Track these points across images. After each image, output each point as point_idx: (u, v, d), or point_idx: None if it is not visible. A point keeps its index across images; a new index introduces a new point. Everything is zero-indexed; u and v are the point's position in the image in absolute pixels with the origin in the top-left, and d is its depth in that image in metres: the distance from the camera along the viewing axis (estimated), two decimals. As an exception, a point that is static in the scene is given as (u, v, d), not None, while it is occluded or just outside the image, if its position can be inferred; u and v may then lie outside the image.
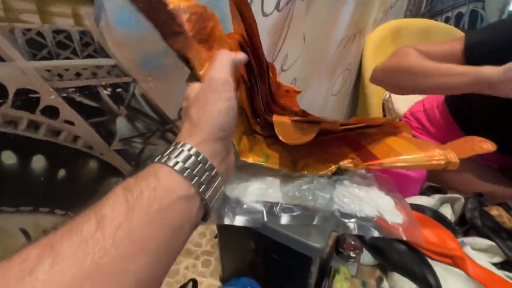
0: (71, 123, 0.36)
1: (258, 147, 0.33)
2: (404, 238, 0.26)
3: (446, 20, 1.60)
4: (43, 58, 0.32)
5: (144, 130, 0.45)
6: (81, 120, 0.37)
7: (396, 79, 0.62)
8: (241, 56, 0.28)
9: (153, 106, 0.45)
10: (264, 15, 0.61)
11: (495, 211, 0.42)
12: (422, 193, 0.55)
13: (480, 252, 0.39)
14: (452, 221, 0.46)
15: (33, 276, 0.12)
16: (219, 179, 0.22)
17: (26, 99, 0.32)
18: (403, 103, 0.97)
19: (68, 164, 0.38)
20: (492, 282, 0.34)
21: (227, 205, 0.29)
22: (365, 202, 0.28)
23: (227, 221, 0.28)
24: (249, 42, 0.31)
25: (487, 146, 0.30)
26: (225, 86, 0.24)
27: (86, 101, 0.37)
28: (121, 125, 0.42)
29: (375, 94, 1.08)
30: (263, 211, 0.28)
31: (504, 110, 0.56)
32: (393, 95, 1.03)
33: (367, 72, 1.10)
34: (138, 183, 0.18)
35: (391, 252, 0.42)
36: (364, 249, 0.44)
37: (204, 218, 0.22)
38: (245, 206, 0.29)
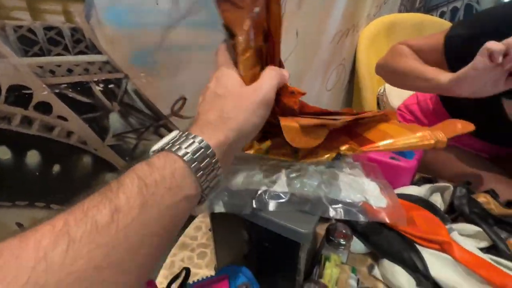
0: (64, 119, 0.37)
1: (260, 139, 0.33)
2: (387, 221, 0.27)
3: (441, 15, 1.60)
4: (35, 55, 0.33)
5: (138, 125, 0.46)
6: (74, 115, 0.38)
7: (389, 77, 0.65)
8: (287, 75, 0.28)
9: (146, 102, 0.46)
10: (256, 11, 0.61)
11: (482, 198, 0.43)
12: (414, 183, 0.56)
13: (467, 237, 0.40)
14: (442, 209, 0.47)
15: (47, 261, 0.13)
16: (221, 177, 0.23)
17: (19, 95, 0.32)
18: (397, 97, 0.98)
19: (62, 159, 0.39)
20: (478, 266, 0.35)
21: (216, 193, 0.30)
22: (352, 188, 0.29)
23: (217, 209, 0.29)
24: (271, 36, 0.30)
25: (466, 126, 0.31)
26: (268, 106, 0.25)
27: (78, 97, 0.38)
28: (114, 121, 0.43)
29: (369, 89, 1.09)
30: (251, 198, 0.29)
31: (490, 102, 0.57)
32: (387, 89, 1.04)
33: (361, 67, 1.10)
34: (153, 175, 0.18)
35: (381, 240, 0.43)
36: (356, 239, 0.46)
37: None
38: (233, 194, 0.30)
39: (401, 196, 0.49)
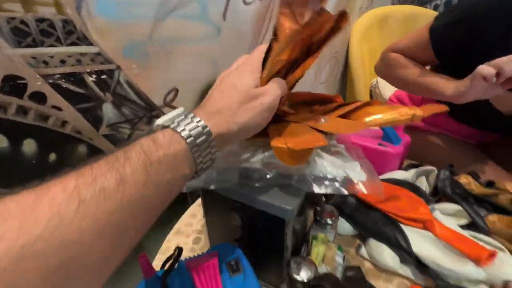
0: (59, 109, 0.38)
1: None
2: (366, 192, 0.29)
3: (435, 8, 1.61)
4: (28, 46, 0.34)
5: (131, 116, 0.47)
6: (68, 105, 0.39)
7: (392, 83, 0.69)
8: (286, 89, 0.30)
9: (138, 93, 0.47)
10: (246, 3, 0.62)
11: (464, 179, 0.45)
12: (402, 170, 0.58)
13: (448, 216, 0.42)
14: (427, 192, 0.49)
15: (60, 216, 0.15)
16: (214, 160, 0.25)
17: (14, 85, 0.34)
18: (389, 88, 0.99)
19: (58, 148, 0.40)
20: (456, 240, 0.37)
21: (207, 172, 0.32)
22: (334, 165, 0.31)
23: (206, 186, 0.31)
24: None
25: (440, 107, 0.33)
26: (272, 111, 0.28)
27: (72, 88, 0.39)
28: (108, 111, 0.44)
29: (362, 81, 1.10)
30: (239, 174, 0.31)
31: None
32: (379, 81, 1.05)
33: (354, 60, 1.12)
34: (157, 153, 0.20)
35: (367, 221, 0.44)
36: (344, 221, 0.47)
37: None
38: (222, 171, 0.31)
39: (388, 180, 0.51)
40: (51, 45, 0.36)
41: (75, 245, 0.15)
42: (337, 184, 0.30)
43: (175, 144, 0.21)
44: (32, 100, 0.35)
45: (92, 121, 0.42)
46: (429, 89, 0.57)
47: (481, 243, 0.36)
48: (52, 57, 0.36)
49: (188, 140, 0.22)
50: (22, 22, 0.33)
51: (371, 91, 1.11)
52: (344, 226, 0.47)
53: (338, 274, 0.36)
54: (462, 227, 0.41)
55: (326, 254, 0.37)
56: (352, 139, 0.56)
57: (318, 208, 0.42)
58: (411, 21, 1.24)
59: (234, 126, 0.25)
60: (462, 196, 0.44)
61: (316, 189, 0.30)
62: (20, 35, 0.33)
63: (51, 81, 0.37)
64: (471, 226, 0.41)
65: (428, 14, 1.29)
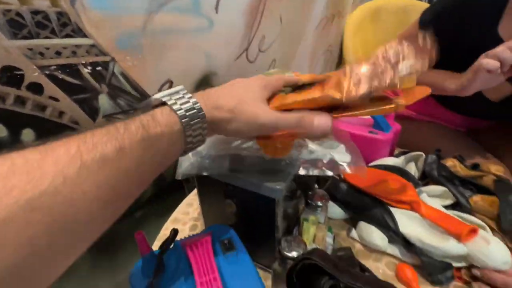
0: (56, 99, 0.39)
1: None
2: (349, 172, 0.30)
3: (430, 1, 1.62)
4: (24, 38, 0.35)
5: (126, 107, 0.48)
6: (65, 96, 0.40)
7: None
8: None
9: (133, 84, 0.48)
10: (238, -4, 0.63)
11: (449, 162, 0.47)
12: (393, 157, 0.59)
13: (434, 197, 0.44)
14: (416, 176, 0.51)
15: (64, 175, 0.16)
16: (203, 143, 0.27)
17: (11, 76, 0.35)
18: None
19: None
20: (440, 219, 0.38)
21: (201, 160, 0.33)
22: (321, 149, 0.33)
23: (200, 172, 0.32)
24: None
25: (423, 91, 0.34)
26: (260, 132, 0.28)
27: (68, 79, 0.40)
28: (104, 102, 0.45)
29: (356, 73, 1.11)
30: (230, 159, 0.32)
31: None
32: (373, 73, 1.06)
33: (348, 53, 1.13)
34: (155, 129, 0.21)
35: (358, 205, 0.46)
36: (336, 206, 0.49)
37: None
38: (214, 158, 0.33)
39: (379, 166, 0.53)
40: (46, 37, 0.37)
41: (77, 203, 0.16)
42: (322, 166, 0.31)
43: (171, 123, 0.23)
44: (29, 91, 0.37)
45: (88, 111, 0.43)
46: (431, 85, 0.58)
47: (463, 221, 0.38)
48: (47, 48, 0.37)
49: (183, 121, 0.23)
50: (18, 14, 0.34)
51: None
52: (336, 211, 0.49)
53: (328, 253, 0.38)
54: (447, 207, 0.43)
55: (316, 234, 0.39)
56: (343, 127, 0.57)
57: (310, 192, 0.44)
58: (404, 13, 1.25)
59: (226, 122, 0.26)
60: (448, 179, 0.45)
61: (303, 171, 0.31)
62: (16, 27, 0.34)
63: (47, 72, 0.38)
64: (456, 206, 0.43)
65: (421, 6, 1.29)
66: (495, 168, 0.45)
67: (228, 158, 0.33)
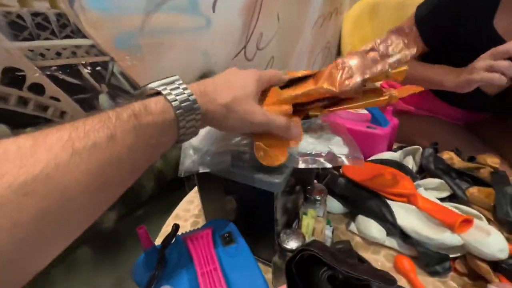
0: (57, 99, 0.40)
1: None
2: (347, 163, 0.31)
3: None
4: (25, 39, 0.36)
5: (127, 106, 0.49)
6: (66, 96, 0.41)
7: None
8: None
9: (132, 84, 0.49)
10: (234, -6, 0.64)
11: (446, 155, 0.47)
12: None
13: (431, 190, 0.44)
14: (414, 170, 0.51)
15: (56, 161, 0.16)
16: (195, 135, 0.27)
17: (13, 77, 0.35)
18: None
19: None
20: (435, 211, 0.39)
21: (201, 156, 0.34)
22: (319, 142, 0.33)
23: (202, 169, 0.33)
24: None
25: (416, 88, 0.35)
26: (254, 130, 0.30)
27: (68, 79, 0.41)
28: (104, 102, 0.46)
29: (355, 70, 1.12)
30: (230, 156, 0.33)
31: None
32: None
33: (346, 50, 1.13)
34: (147, 118, 0.21)
35: (356, 198, 0.47)
36: (335, 200, 0.50)
37: None
38: (215, 154, 0.33)
39: (377, 160, 0.53)
40: (46, 38, 0.37)
41: (69, 189, 0.17)
42: (321, 159, 0.32)
43: (165, 113, 0.23)
44: (31, 91, 0.37)
45: (89, 111, 0.44)
46: (430, 81, 0.59)
47: (460, 213, 0.39)
48: (48, 49, 0.38)
49: (178, 112, 0.23)
50: (18, 16, 0.34)
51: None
52: (334, 205, 0.49)
53: (327, 246, 0.39)
54: (444, 199, 0.43)
55: (315, 228, 0.39)
56: (341, 122, 0.58)
57: (309, 187, 0.44)
58: (403, 9, 1.25)
59: (220, 116, 0.27)
60: (444, 171, 0.46)
61: (303, 164, 0.32)
62: (17, 28, 0.35)
63: (48, 72, 0.38)
64: (453, 198, 0.43)
65: (419, 1, 1.30)
66: (491, 160, 0.45)
67: (228, 154, 0.33)
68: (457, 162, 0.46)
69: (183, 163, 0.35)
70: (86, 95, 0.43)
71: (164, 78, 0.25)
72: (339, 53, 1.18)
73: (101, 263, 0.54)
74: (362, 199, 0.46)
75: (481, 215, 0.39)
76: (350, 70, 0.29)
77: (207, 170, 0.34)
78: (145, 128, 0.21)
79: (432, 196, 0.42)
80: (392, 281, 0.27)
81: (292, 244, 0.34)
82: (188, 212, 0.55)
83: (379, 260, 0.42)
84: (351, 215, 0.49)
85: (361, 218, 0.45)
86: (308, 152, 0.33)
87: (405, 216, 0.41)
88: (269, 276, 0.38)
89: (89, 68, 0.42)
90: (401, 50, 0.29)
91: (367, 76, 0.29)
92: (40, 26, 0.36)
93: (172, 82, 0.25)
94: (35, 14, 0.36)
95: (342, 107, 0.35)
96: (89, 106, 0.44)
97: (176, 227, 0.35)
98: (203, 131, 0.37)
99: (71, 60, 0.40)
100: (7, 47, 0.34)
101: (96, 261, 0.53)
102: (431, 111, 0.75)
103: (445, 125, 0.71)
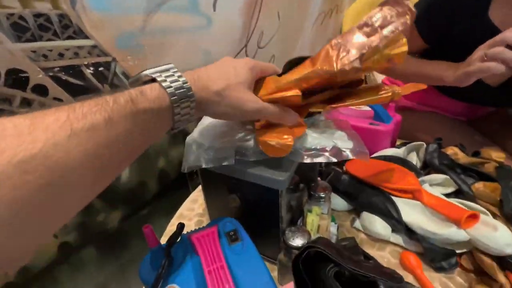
0: (60, 100, 0.40)
1: None
2: (351, 157, 0.31)
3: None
4: (28, 40, 0.36)
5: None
6: (69, 97, 0.41)
7: (395, 77, 0.72)
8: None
9: (135, 84, 0.49)
10: (235, -7, 0.64)
11: (450, 151, 0.47)
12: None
13: (436, 186, 0.44)
14: (418, 166, 0.51)
15: (55, 141, 0.16)
16: (189, 121, 0.27)
17: (17, 78, 0.35)
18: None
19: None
20: (441, 207, 0.39)
21: (204, 151, 0.34)
22: (323, 137, 0.33)
23: (206, 165, 0.33)
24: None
25: (419, 86, 0.35)
26: (247, 119, 0.31)
27: (71, 80, 0.41)
28: (107, 102, 0.46)
29: (356, 67, 1.11)
30: (234, 151, 0.33)
31: None
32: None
33: (347, 47, 1.13)
34: (144, 104, 0.22)
35: (360, 195, 0.47)
36: (340, 198, 0.50)
37: None
38: (218, 150, 0.33)
39: (380, 157, 0.53)
40: (49, 39, 0.37)
41: (66, 169, 0.17)
42: (326, 154, 0.32)
43: (160, 99, 0.23)
44: (34, 93, 0.37)
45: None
46: (430, 77, 0.58)
47: (465, 208, 0.39)
48: (50, 50, 0.38)
49: (172, 99, 0.24)
50: (21, 17, 0.34)
51: (365, 75, 1.13)
52: (339, 203, 0.49)
53: (333, 243, 0.39)
54: (450, 194, 0.43)
55: (320, 224, 0.39)
56: (345, 119, 0.58)
57: (313, 184, 0.44)
58: (403, 6, 1.24)
59: (214, 104, 0.27)
60: (449, 167, 0.45)
61: (308, 159, 0.32)
62: (19, 30, 0.35)
63: (51, 73, 0.38)
64: (458, 193, 0.43)
65: (419, -2, 1.29)
66: (496, 155, 0.45)
67: (232, 150, 0.33)
68: (462, 157, 0.45)
69: (186, 158, 0.35)
70: (89, 95, 0.43)
71: (159, 66, 0.25)
72: (340, 50, 1.17)
73: (105, 263, 0.54)
74: (366, 196, 0.46)
75: (487, 210, 0.39)
76: (346, 48, 0.29)
77: (210, 165, 0.34)
78: (142, 113, 0.21)
79: (437, 192, 0.42)
80: (399, 279, 0.26)
81: (297, 241, 0.34)
82: (192, 211, 0.55)
83: (385, 257, 0.42)
84: (355, 212, 0.49)
85: (365, 215, 0.45)
86: (312, 147, 0.33)
87: (410, 212, 0.41)
88: (274, 274, 0.38)
89: (91, 68, 0.42)
90: (396, 19, 0.29)
91: (364, 51, 0.28)
92: (42, 27, 0.36)
93: (167, 70, 0.25)
94: (37, 15, 0.36)
95: (344, 104, 0.34)
96: (92, 106, 0.44)
97: (181, 225, 0.35)
98: (206, 127, 0.37)
99: (74, 61, 0.40)
100: (10, 48, 0.34)
101: (101, 261, 0.53)
102: (433, 107, 0.75)
103: (448, 121, 0.71)
